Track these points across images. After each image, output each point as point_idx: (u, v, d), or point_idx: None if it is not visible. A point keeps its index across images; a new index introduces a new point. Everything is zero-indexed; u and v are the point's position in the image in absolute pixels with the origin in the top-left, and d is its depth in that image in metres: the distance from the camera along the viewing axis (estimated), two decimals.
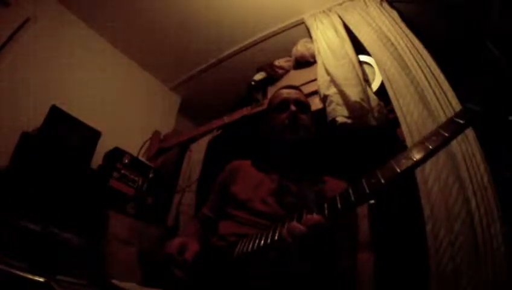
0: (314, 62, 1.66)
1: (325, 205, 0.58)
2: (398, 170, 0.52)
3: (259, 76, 1.86)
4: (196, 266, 0.77)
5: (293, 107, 0.97)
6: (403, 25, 1.48)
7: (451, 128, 0.52)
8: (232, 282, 0.66)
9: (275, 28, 2.00)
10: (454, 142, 1.07)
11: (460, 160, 1.03)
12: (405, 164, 0.52)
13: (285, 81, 1.73)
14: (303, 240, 0.56)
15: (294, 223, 0.58)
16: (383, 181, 0.52)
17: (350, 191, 0.55)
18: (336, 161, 1.25)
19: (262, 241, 0.64)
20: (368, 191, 0.53)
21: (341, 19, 1.69)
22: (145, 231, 1.64)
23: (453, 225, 0.95)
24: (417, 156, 0.52)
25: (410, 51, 1.34)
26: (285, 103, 1.00)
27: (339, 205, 0.55)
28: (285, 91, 1.06)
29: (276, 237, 0.61)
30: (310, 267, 0.66)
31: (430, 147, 0.51)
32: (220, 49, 2.22)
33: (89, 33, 2.13)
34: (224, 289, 0.68)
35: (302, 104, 1.01)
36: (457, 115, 0.54)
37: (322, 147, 1.09)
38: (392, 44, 1.40)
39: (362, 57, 1.52)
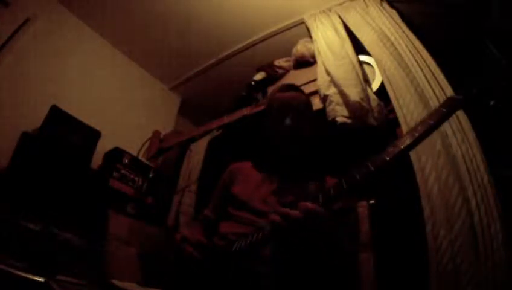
0: (314, 62, 1.65)
1: (320, 195, 0.62)
2: (387, 158, 0.56)
3: (259, 76, 1.86)
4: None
5: (293, 122, 0.90)
6: (403, 25, 1.48)
7: (436, 117, 0.59)
8: (233, 277, 0.68)
9: (274, 28, 2.00)
10: (454, 143, 1.07)
11: (460, 160, 1.03)
12: (393, 152, 0.57)
13: (285, 81, 1.73)
14: (298, 224, 0.59)
15: (285, 209, 0.61)
16: (372, 169, 0.56)
17: (342, 180, 0.60)
18: (335, 161, 1.25)
19: (260, 235, 0.67)
20: (358, 178, 0.57)
21: (341, 19, 1.68)
22: (145, 231, 1.64)
23: (453, 225, 0.95)
24: (404, 144, 0.57)
25: (410, 51, 1.34)
26: (285, 110, 0.94)
27: (332, 192, 0.60)
28: (285, 95, 0.99)
29: (269, 227, 0.64)
30: (311, 267, 0.67)
31: (416, 134, 0.57)
32: (220, 49, 2.21)
33: (89, 33, 2.13)
34: (227, 285, 0.69)
35: (303, 112, 0.96)
36: (441, 104, 0.62)
37: (322, 147, 1.09)
38: (392, 44, 1.40)
39: (362, 57, 1.52)
